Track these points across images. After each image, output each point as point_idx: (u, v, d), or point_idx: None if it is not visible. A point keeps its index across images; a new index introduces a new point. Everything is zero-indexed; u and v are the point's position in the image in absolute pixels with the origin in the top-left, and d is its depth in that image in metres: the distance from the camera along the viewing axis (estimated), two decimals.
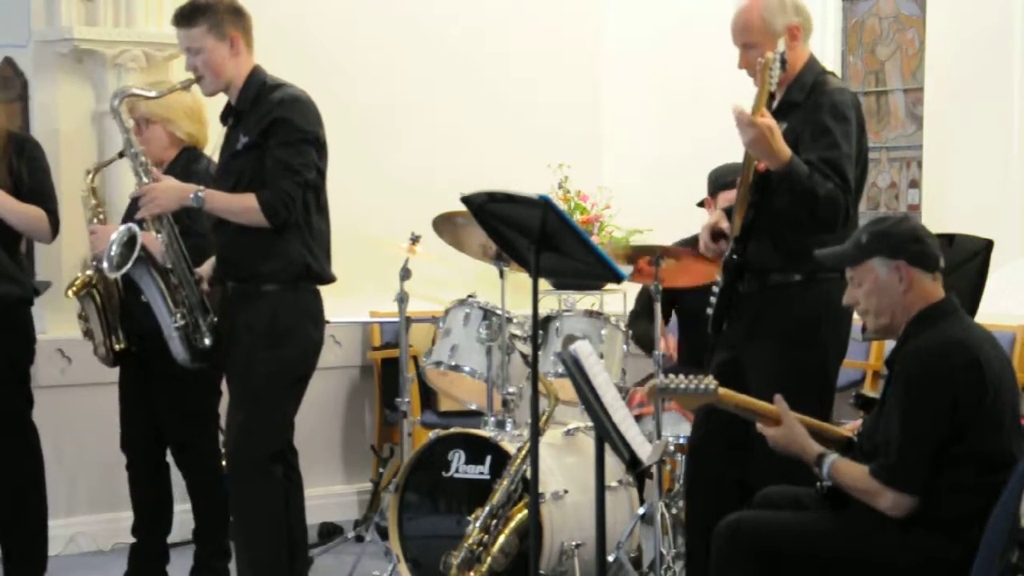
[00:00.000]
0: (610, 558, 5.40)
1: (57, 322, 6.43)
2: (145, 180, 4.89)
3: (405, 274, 6.07)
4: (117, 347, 5.37)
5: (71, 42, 6.39)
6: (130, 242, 4.92)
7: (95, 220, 5.33)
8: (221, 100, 4.99)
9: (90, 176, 5.39)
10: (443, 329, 5.84)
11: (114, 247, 4.94)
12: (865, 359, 6.56)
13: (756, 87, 4.50)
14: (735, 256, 4.55)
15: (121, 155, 5.23)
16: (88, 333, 5.41)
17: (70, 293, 5.38)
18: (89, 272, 5.38)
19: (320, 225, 4.86)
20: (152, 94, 5.07)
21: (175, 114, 5.36)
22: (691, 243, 5.25)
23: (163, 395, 5.39)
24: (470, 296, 5.82)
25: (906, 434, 3.80)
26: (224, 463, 5.71)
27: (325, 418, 7.09)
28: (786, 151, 4.36)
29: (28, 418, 5.49)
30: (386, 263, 6.32)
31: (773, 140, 4.34)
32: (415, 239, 6.12)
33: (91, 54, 6.46)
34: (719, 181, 5.69)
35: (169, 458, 5.59)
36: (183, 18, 4.79)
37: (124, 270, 4.89)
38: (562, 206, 6.25)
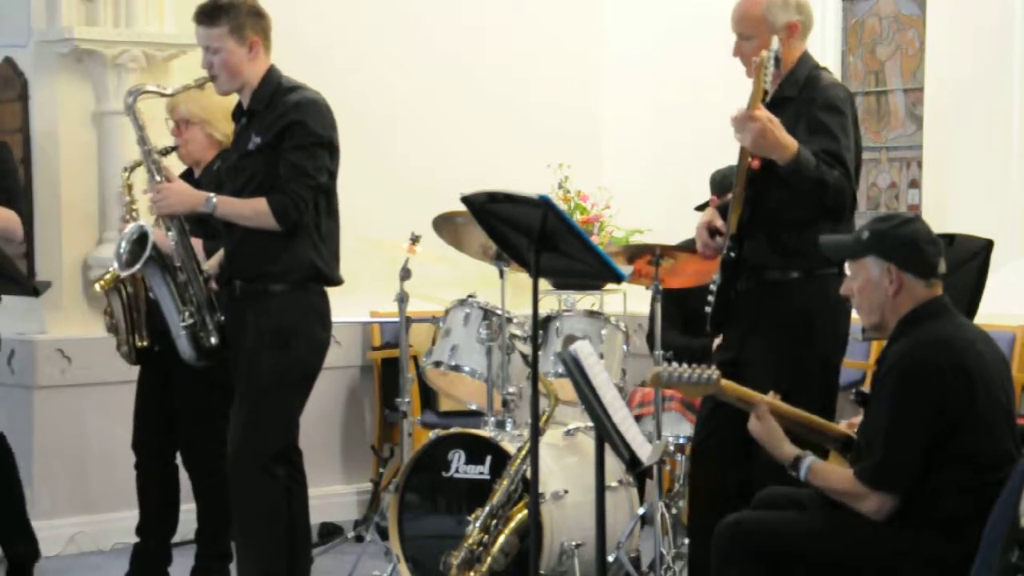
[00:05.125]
0: (610, 558, 5.40)
1: (57, 322, 6.44)
2: (158, 178, 4.88)
3: (405, 274, 6.08)
4: (140, 344, 5.37)
5: (71, 42, 6.39)
6: (140, 240, 4.92)
7: (127, 217, 5.33)
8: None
9: (126, 173, 5.38)
10: (443, 329, 5.84)
11: (123, 244, 4.95)
12: (865, 359, 6.56)
13: (751, 80, 4.48)
14: (732, 254, 4.55)
15: (163, 152, 5.26)
16: (112, 328, 5.41)
17: (98, 287, 5.40)
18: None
19: (330, 227, 4.86)
20: (168, 91, 5.05)
21: (214, 116, 5.35)
22: (691, 245, 5.24)
23: (180, 394, 5.40)
24: (470, 296, 5.82)
25: (892, 434, 3.79)
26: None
27: (325, 418, 7.09)
28: (792, 141, 4.34)
29: None
30: (386, 263, 6.33)
31: (777, 131, 4.33)
32: (415, 239, 6.13)
33: (91, 54, 6.45)
34: (724, 182, 5.68)
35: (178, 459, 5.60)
36: (205, 16, 4.77)
37: (135, 268, 4.89)
38: (562, 206, 6.24)
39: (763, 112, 4.33)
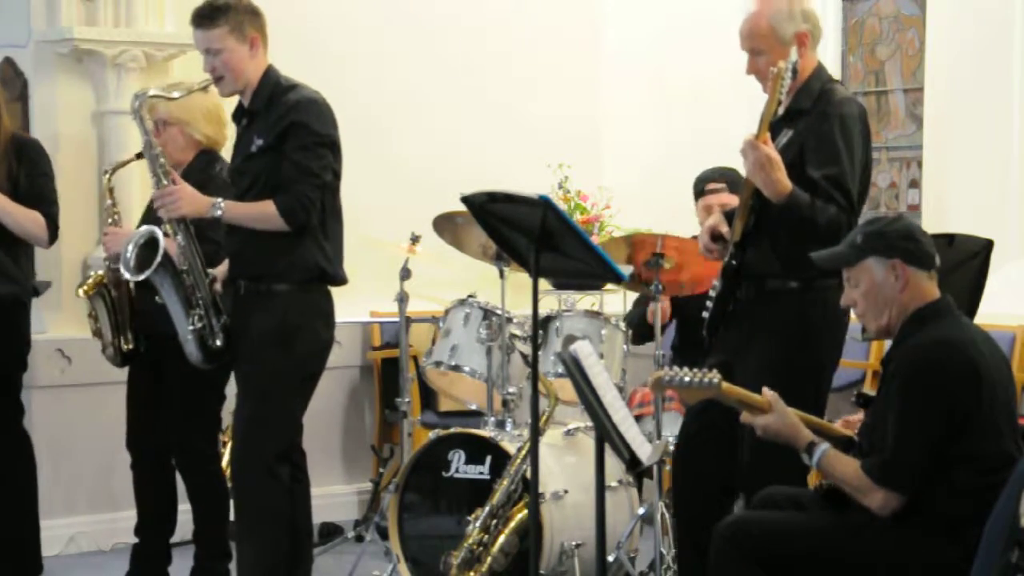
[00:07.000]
0: (610, 558, 5.40)
1: (57, 322, 6.44)
2: (164, 183, 4.87)
3: (405, 274, 6.08)
4: (125, 347, 5.36)
5: (71, 42, 6.39)
6: (148, 244, 4.89)
7: (110, 221, 5.32)
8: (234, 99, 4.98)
9: (107, 176, 5.36)
10: (443, 329, 5.84)
11: (131, 249, 4.92)
12: (865, 359, 6.56)
13: (766, 94, 4.46)
14: (734, 261, 4.55)
15: (139, 156, 5.24)
16: (97, 333, 5.40)
17: (80, 292, 5.37)
18: (101, 272, 5.36)
19: (334, 227, 4.86)
20: (174, 95, 5.02)
21: (193, 116, 5.33)
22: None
23: (171, 396, 5.38)
24: (470, 296, 5.83)
25: (901, 434, 3.79)
26: (224, 466, 5.73)
27: (325, 418, 7.08)
28: (786, 184, 4.34)
29: (20, 424, 5.47)
30: (386, 263, 6.32)
31: (773, 171, 4.33)
32: (415, 239, 6.13)
33: (91, 54, 6.46)
34: (697, 186, 5.80)
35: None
36: (203, 19, 4.74)
37: (146, 274, 4.86)
38: (562, 206, 6.24)
39: (765, 149, 4.33)
